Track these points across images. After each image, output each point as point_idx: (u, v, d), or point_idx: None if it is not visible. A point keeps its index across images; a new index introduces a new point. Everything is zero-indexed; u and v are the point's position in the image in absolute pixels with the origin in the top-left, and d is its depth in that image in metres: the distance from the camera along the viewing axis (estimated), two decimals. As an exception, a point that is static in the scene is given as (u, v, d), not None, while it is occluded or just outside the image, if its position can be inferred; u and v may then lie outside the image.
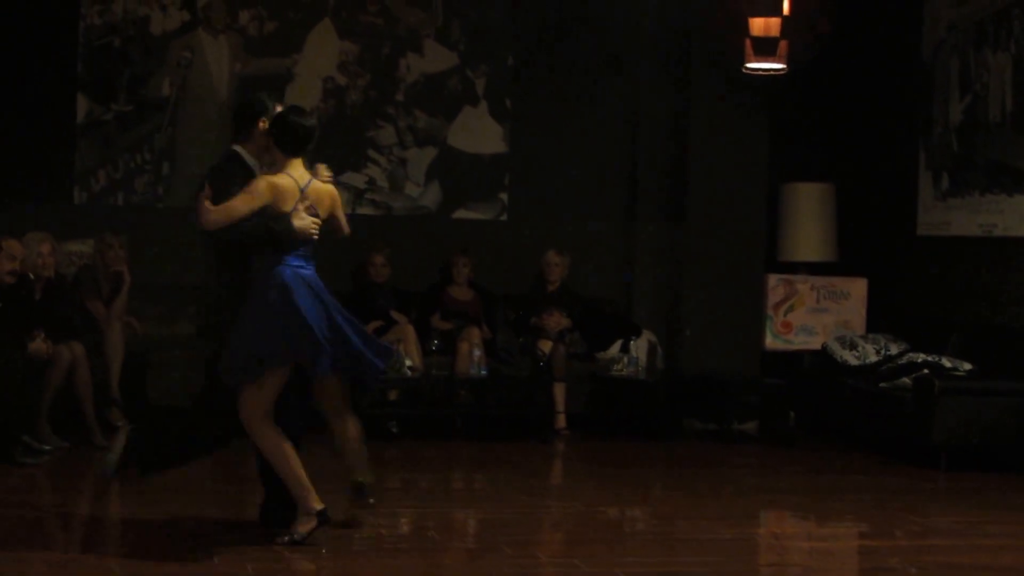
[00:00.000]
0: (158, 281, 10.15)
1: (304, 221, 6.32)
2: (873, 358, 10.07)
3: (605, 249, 11.24)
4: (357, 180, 10.86)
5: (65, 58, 10.59)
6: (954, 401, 8.92)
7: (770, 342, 10.84)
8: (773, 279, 10.89)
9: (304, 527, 6.27)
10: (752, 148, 10.85)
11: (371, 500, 6.73)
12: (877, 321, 10.76)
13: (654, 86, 11.09)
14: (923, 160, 10.73)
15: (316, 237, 6.40)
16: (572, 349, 10.46)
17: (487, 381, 9.99)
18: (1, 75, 10.37)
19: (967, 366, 9.36)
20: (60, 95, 10.58)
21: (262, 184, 6.31)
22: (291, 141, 6.38)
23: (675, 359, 10.78)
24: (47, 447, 8.47)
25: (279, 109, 6.51)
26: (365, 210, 10.83)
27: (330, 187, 6.52)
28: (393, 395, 9.88)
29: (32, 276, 8.88)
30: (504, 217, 11.28)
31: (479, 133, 11.24)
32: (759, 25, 9.39)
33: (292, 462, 6.31)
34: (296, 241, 6.30)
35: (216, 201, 6.28)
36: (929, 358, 9.46)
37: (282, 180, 6.34)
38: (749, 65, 9.51)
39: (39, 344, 8.58)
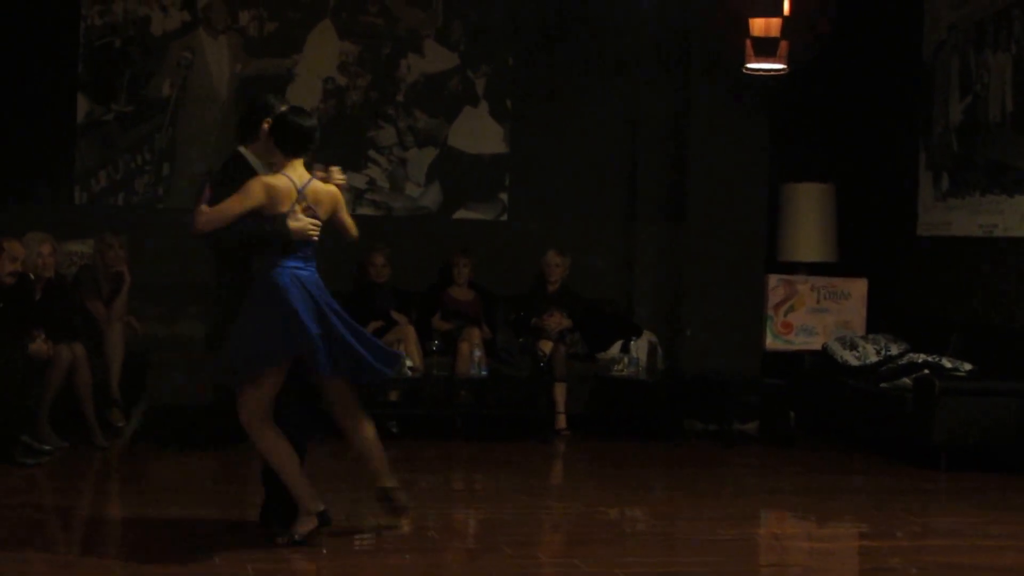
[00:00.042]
0: (158, 281, 10.16)
1: (300, 223, 6.28)
2: (873, 358, 10.08)
3: (605, 249, 11.24)
4: (357, 180, 10.86)
5: (65, 58, 10.60)
6: (954, 401, 8.92)
7: (770, 342, 10.84)
8: (773, 279, 10.89)
9: (304, 527, 6.27)
10: (752, 148, 10.85)
11: (405, 506, 6.64)
12: (877, 321, 10.76)
13: (654, 86, 11.09)
14: (923, 160, 10.73)
15: (315, 238, 6.36)
16: (572, 349, 10.46)
17: (487, 381, 10.00)
18: (1, 75, 10.37)
19: (967, 366, 9.36)
20: (60, 95, 10.59)
21: (256, 185, 6.27)
22: (291, 142, 6.35)
23: (675, 359, 10.79)
24: (47, 447, 8.47)
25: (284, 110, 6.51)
26: (365, 210, 10.82)
27: (331, 188, 6.48)
28: (393, 395, 9.88)
29: (32, 276, 8.89)
30: (504, 217, 11.28)
31: (479, 133, 11.24)
32: (759, 25, 9.38)
33: (291, 463, 6.30)
34: (293, 243, 6.27)
35: (218, 203, 6.29)
36: (929, 358, 9.46)
37: (278, 181, 6.31)
38: (749, 65, 9.51)
39: (39, 344, 8.58)
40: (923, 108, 10.72)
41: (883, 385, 9.61)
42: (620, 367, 10.32)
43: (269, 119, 6.45)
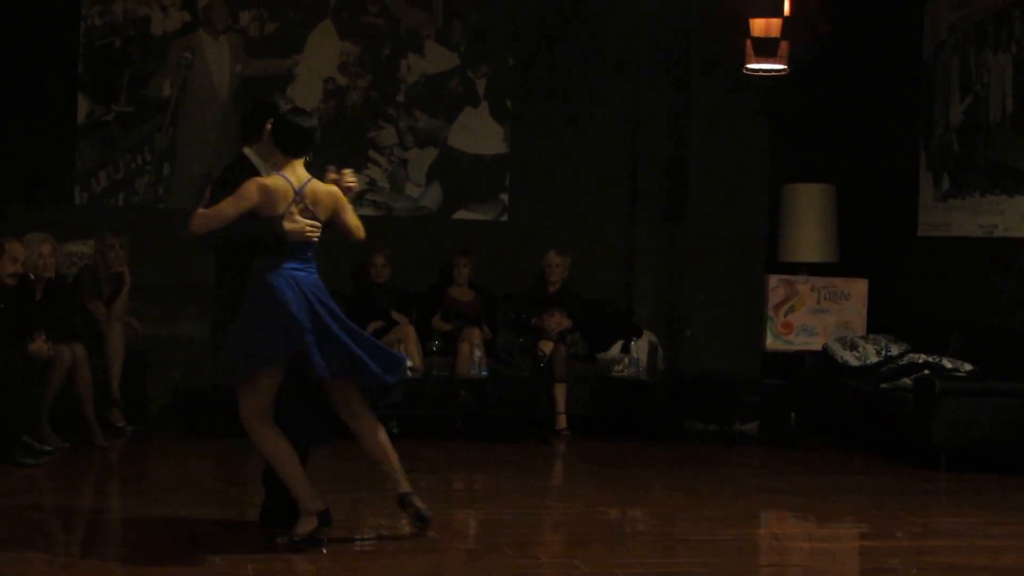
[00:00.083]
0: (158, 281, 10.16)
1: (297, 224, 6.23)
2: (874, 359, 10.08)
3: (606, 250, 11.24)
4: (358, 181, 10.85)
5: (66, 59, 10.60)
6: (955, 402, 8.93)
7: (771, 343, 10.84)
8: (774, 280, 10.89)
9: (304, 528, 6.26)
10: (753, 149, 10.85)
11: (429, 516, 6.50)
12: (878, 322, 10.76)
13: (655, 87, 11.09)
14: (924, 161, 10.73)
15: (314, 240, 6.31)
16: (573, 350, 10.46)
17: (488, 382, 10.00)
18: (2, 76, 10.37)
19: (967, 367, 9.36)
20: (61, 96, 10.59)
21: (251, 187, 6.23)
22: (290, 142, 6.30)
23: (676, 360, 10.79)
24: (48, 447, 8.47)
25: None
26: (366, 211, 10.81)
27: (332, 188, 6.42)
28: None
29: (33, 277, 8.89)
30: (505, 218, 11.28)
31: (480, 134, 11.24)
32: (760, 26, 9.38)
33: (291, 463, 6.28)
34: (290, 244, 6.22)
35: (216, 205, 6.27)
36: (930, 359, 9.46)
37: (274, 182, 6.27)
38: (750, 66, 9.51)
39: (40, 345, 8.58)
40: (923, 108, 10.72)
41: (883, 385, 9.61)
42: (620, 367, 10.32)
43: (272, 119, 6.43)
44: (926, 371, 9.30)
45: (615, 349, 10.47)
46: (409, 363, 9.66)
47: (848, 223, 11.10)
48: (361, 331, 6.46)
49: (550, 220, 11.16)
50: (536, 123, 11.27)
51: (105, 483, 8.43)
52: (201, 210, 6.28)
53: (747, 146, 10.84)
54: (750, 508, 7.88)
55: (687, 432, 10.38)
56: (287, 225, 6.22)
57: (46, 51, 10.53)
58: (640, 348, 10.37)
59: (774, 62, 9.41)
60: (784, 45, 9.40)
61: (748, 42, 9.43)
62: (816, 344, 10.70)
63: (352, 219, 6.52)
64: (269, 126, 6.40)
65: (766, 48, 9.36)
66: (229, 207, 6.21)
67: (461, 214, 11.23)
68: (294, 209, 6.25)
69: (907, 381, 9.37)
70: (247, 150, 6.54)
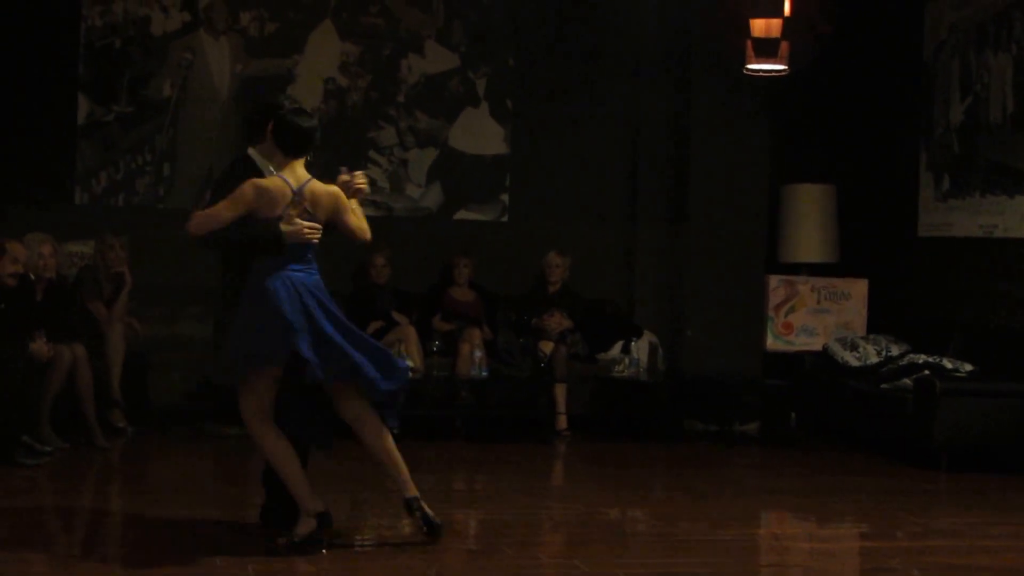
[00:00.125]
0: (159, 282, 10.16)
1: (294, 226, 6.18)
2: (874, 359, 10.08)
3: (606, 250, 11.25)
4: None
5: (66, 59, 10.60)
6: (955, 402, 8.92)
7: (771, 343, 10.84)
8: (774, 280, 10.89)
9: (304, 528, 6.25)
10: (753, 149, 10.86)
11: (438, 522, 6.41)
12: (878, 322, 10.76)
13: (655, 87, 11.10)
14: (924, 161, 10.73)
15: (313, 241, 6.27)
16: (573, 350, 10.46)
17: (488, 382, 10.00)
18: (2, 76, 10.38)
19: (968, 367, 9.36)
20: (61, 96, 10.59)
21: (247, 188, 6.19)
22: (290, 142, 6.26)
23: (676, 360, 10.79)
24: (48, 448, 8.47)
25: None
26: (366, 211, 10.72)
27: (332, 189, 6.36)
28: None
29: (33, 277, 8.89)
30: (505, 218, 11.29)
31: (480, 134, 11.24)
32: (760, 26, 9.38)
33: (291, 463, 6.27)
34: (288, 246, 6.18)
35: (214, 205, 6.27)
36: (930, 359, 9.46)
37: (271, 183, 6.23)
38: (750, 66, 9.51)
39: (40, 345, 8.58)
40: (924, 109, 10.72)
41: (884, 386, 9.61)
42: (621, 368, 10.33)
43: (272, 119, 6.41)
44: (926, 371, 9.30)
45: (615, 349, 10.47)
46: (410, 363, 9.67)
47: (848, 223, 11.10)
48: (362, 334, 6.42)
49: (550, 220, 11.16)
50: (536, 123, 11.27)
51: (105, 483, 8.43)
52: (199, 211, 6.27)
53: (747, 146, 10.84)
54: (750, 508, 7.88)
55: (687, 432, 10.38)
56: (284, 227, 6.18)
57: (46, 51, 10.53)
58: (640, 348, 10.37)
59: (774, 62, 9.41)
60: (784, 45, 9.39)
61: (748, 42, 9.43)
62: (816, 344, 10.70)
63: (355, 220, 6.45)
64: (271, 126, 6.38)
65: (766, 48, 9.36)
66: (225, 209, 6.19)
67: (461, 214, 11.24)
68: (292, 211, 6.21)
69: (907, 381, 9.37)
70: (251, 150, 6.51)
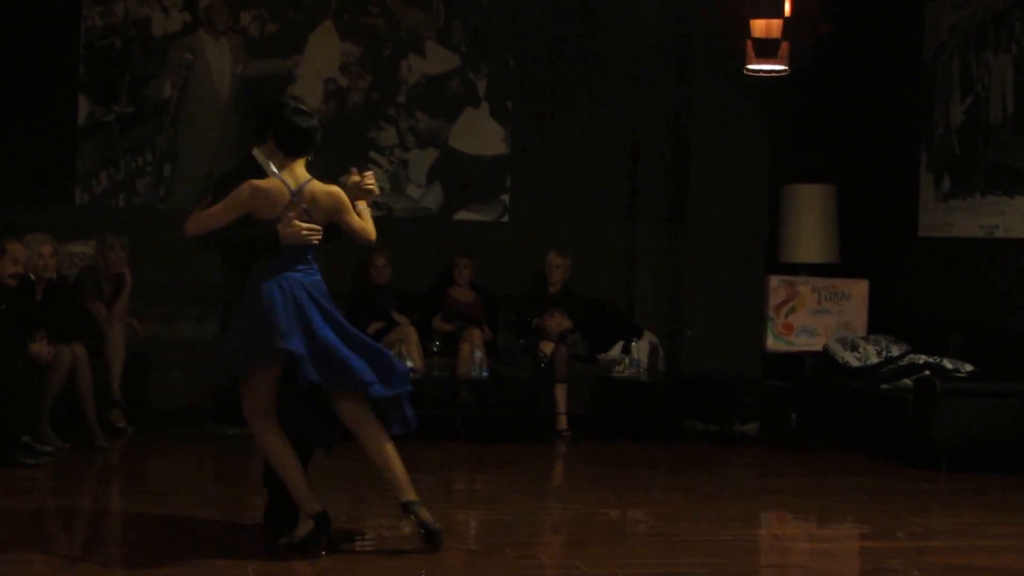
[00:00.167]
0: (159, 282, 10.16)
1: (291, 227, 6.15)
2: (874, 359, 10.08)
3: (606, 250, 11.24)
4: (358, 181, 10.85)
5: (66, 59, 10.60)
6: (955, 402, 8.92)
7: (771, 343, 10.85)
8: (774, 280, 10.89)
9: (302, 529, 6.25)
10: (753, 149, 10.85)
11: (434, 528, 6.32)
12: (878, 322, 10.76)
13: (655, 87, 11.10)
14: (924, 161, 10.74)
15: (313, 242, 6.22)
16: (573, 350, 10.46)
17: (488, 382, 10.00)
18: (2, 77, 10.38)
19: (968, 367, 9.36)
20: (61, 96, 10.59)
21: (244, 189, 6.15)
22: (290, 142, 6.24)
23: (676, 360, 10.79)
24: (48, 448, 8.47)
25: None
26: (366, 211, 10.82)
27: (332, 189, 6.29)
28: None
29: (33, 277, 8.89)
30: (505, 218, 11.29)
31: (480, 134, 11.25)
32: (760, 27, 9.38)
33: (291, 463, 6.25)
34: (286, 247, 6.15)
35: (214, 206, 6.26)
36: (930, 359, 9.46)
37: (268, 184, 6.20)
38: (750, 67, 9.50)
39: (40, 346, 8.58)
40: (924, 109, 10.72)
41: (884, 386, 9.61)
42: (621, 368, 10.33)
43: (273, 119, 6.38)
44: (927, 372, 9.30)
45: (616, 350, 10.47)
46: (410, 364, 9.67)
47: (849, 224, 11.10)
48: (362, 336, 6.36)
49: (551, 221, 11.16)
50: (537, 124, 11.27)
51: (105, 484, 8.43)
52: (196, 212, 6.26)
53: (747, 146, 10.84)
54: (751, 509, 7.88)
55: (688, 433, 10.38)
56: (281, 228, 6.16)
57: (47, 52, 10.53)
58: (641, 349, 10.37)
59: (775, 63, 9.41)
60: (785, 46, 9.39)
61: (748, 43, 9.43)
62: (817, 345, 10.70)
63: (357, 221, 6.35)
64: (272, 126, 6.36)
65: (767, 49, 9.36)
66: (221, 210, 6.16)
67: (462, 215, 11.24)
68: (290, 212, 6.19)
69: (908, 382, 9.37)
70: (255, 151, 6.46)
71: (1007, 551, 6.85)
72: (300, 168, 6.30)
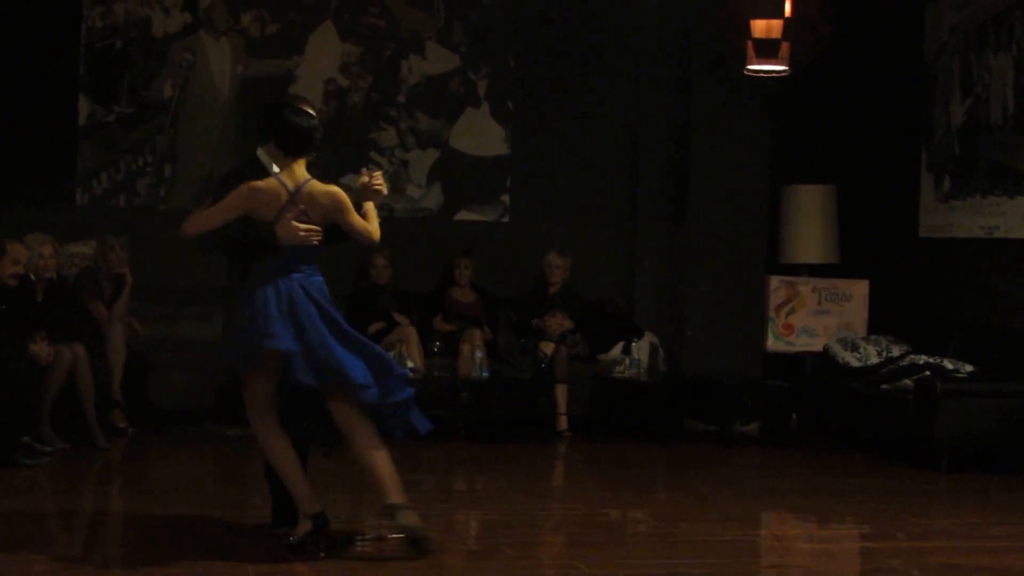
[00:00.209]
0: (160, 283, 10.16)
1: (288, 228, 6.12)
2: (875, 360, 10.07)
3: (607, 250, 11.24)
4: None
5: (67, 60, 10.60)
6: (956, 403, 8.92)
7: (772, 344, 10.84)
8: (775, 281, 10.89)
9: (301, 529, 6.24)
10: (753, 150, 10.86)
11: (422, 533, 6.20)
12: (879, 323, 10.76)
13: (655, 88, 11.10)
14: (925, 162, 10.73)
15: (311, 243, 6.18)
16: (574, 351, 10.46)
17: (489, 383, 10.00)
18: (3, 77, 10.38)
19: (969, 368, 9.36)
20: (62, 97, 10.60)
21: (242, 190, 6.13)
22: (290, 142, 6.21)
23: (677, 361, 10.79)
24: (48, 448, 8.48)
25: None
26: (367, 212, 10.81)
27: (331, 189, 6.24)
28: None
29: (33, 277, 8.89)
30: (506, 219, 11.29)
31: (481, 135, 11.25)
32: (761, 27, 9.38)
33: (289, 462, 6.23)
34: (283, 248, 6.12)
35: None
36: (931, 360, 9.46)
37: (266, 185, 6.16)
38: (751, 67, 9.51)
39: (41, 347, 8.58)
40: (924, 110, 10.72)
41: (884, 386, 9.60)
42: (621, 368, 10.32)
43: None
44: (927, 372, 9.30)
45: (616, 350, 10.47)
46: (411, 364, 9.68)
47: (849, 224, 11.10)
48: (363, 339, 6.30)
49: (551, 221, 11.16)
50: (537, 124, 11.27)
51: (106, 484, 8.43)
52: (195, 212, 6.25)
53: (748, 147, 10.84)
54: (751, 509, 7.88)
55: (688, 433, 10.38)
56: (279, 229, 6.13)
57: (47, 52, 10.54)
58: (641, 349, 10.36)
59: (775, 63, 9.42)
60: (785, 46, 9.40)
61: (749, 43, 9.44)
62: (817, 345, 10.69)
63: (358, 221, 6.29)
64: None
65: (767, 49, 9.36)
66: (218, 210, 6.14)
67: (462, 215, 11.24)
68: (289, 213, 6.15)
69: (908, 382, 9.36)
70: (259, 151, 6.43)
71: (1007, 551, 6.84)
72: (300, 168, 6.26)
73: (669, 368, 10.67)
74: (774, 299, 10.85)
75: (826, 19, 10.49)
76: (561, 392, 10.15)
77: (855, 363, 10.14)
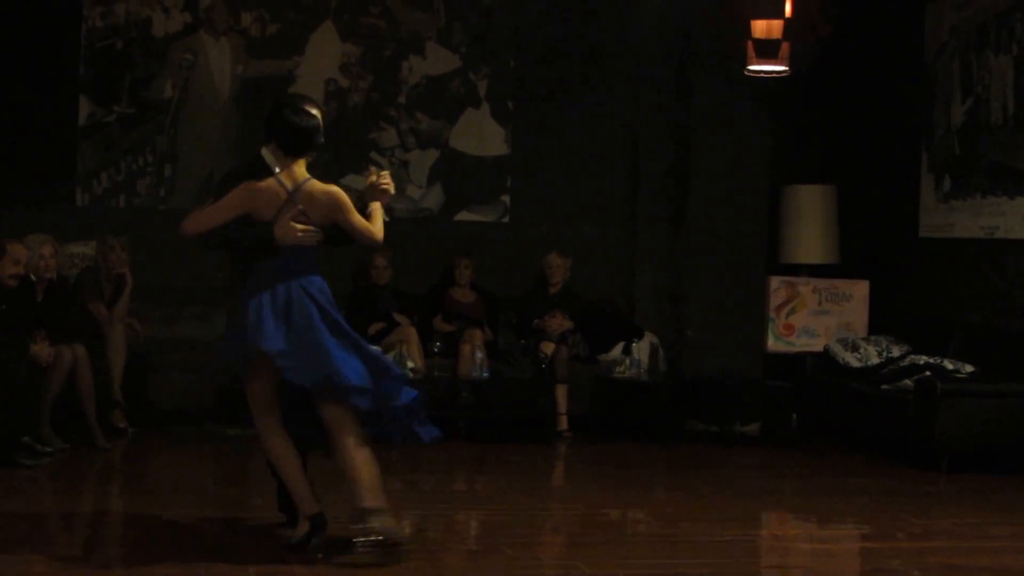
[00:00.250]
0: (160, 283, 10.17)
1: (286, 228, 6.10)
2: (875, 360, 10.07)
3: (607, 251, 11.24)
4: (359, 182, 10.84)
5: (67, 60, 10.60)
6: (956, 403, 8.92)
7: (772, 344, 10.84)
8: (775, 281, 10.89)
9: (300, 530, 6.24)
10: (754, 150, 10.86)
11: (395, 536, 6.15)
12: (879, 323, 10.76)
13: (656, 88, 11.10)
14: (925, 162, 10.73)
15: (309, 243, 6.16)
16: (574, 351, 10.46)
17: (489, 383, 10.00)
18: (3, 77, 10.38)
19: (969, 368, 9.36)
20: (62, 97, 10.60)
21: (241, 190, 6.12)
22: (290, 141, 6.18)
23: (677, 361, 10.78)
24: (48, 448, 8.47)
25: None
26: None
27: (331, 189, 6.19)
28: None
29: (34, 278, 8.89)
30: (506, 219, 11.29)
31: (481, 135, 11.25)
32: (761, 27, 9.38)
33: (289, 461, 6.22)
34: (281, 248, 6.11)
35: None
36: (931, 360, 9.46)
37: (265, 185, 6.15)
38: (751, 67, 9.51)
39: (41, 347, 8.58)
40: (925, 110, 10.72)
41: (885, 387, 9.60)
42: (622, 368, 10.32)
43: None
44: (927, 372, 9.30)
45: (616, 350, 10.46)
46: (411, 364, 9.68)
47: (849, 224, 11.10)
48: (363, 342, 6.27)
49: (551, 221, 11.16)
50: (537, 124, 11.27)
51: (106, 484, 8.43)
52: (195, 211, 6.24)
53: (748, 147, 10.84)
54: (751, 509, 7.88)
55: (688, 433, 10.38)
56: (276, 230, 6.11)
57: (47, 52, 10.54)
58: (641, 349, 10.36)
59: (775, 63, 9.41)
60: (785, 46, 9.39)
61: (749, 43, 9.43)
62: (817, 345, 10.69)
63: (359, 221, 6.23)
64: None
65: (767, 49, 9.36)
66: (217, 210, 6.14)
67: (462, 215, 11.24)
68: (287, 213, 6.13)
69: (908, 382, 9.36)
70: (263, 150, 6.39)
71: (1007, 551, 6.84)
72: (300, 168, 6.23)
73: (669, 368, 10.67)
74: (774, 299, 10.85)
75: (826, 19, 10.49)
76: (561, 392, 10.15)
77: (855, 363, 10.14)
